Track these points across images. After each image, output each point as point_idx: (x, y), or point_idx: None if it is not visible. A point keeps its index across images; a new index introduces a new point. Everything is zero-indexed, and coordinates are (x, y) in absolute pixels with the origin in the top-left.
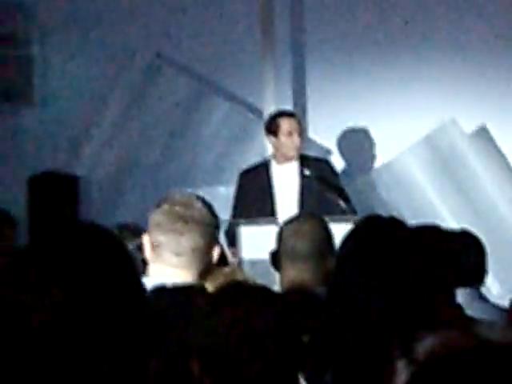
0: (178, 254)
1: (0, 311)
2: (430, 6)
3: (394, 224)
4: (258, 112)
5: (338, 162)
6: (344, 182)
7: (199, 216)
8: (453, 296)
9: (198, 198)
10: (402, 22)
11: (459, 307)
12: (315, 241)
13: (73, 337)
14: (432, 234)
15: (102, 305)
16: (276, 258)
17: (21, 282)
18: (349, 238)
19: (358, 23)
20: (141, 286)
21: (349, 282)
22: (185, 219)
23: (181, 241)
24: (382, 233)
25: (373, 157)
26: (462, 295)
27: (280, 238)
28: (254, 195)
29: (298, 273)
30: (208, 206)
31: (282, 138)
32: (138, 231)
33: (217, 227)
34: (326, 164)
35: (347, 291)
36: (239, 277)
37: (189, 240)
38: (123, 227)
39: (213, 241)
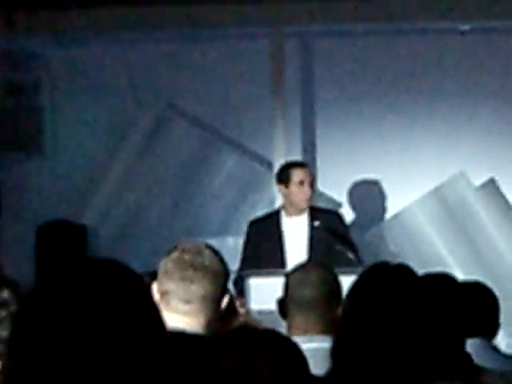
0: (186, 302)
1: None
2: (441, 58)
3: (403, 271)
4: (267, 164)
5: (348, 214)
6: (353, 234)
7: (209, 264)
8: (463, 346)
9: (208, 246)
10: (413, 74)
11: (469, 357)
12: (322, 289)
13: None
14: (442, 281)
15: (121, 343)
16: (282, 306)
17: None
18: (356, 285)
19: (368, 75)
20: (161, 322)
21: (356, 331)
22: (194, 267)
23: (190, 288)
24: (390, 280)
25: (383, 209)
26: (473, 346)
27: (287, 285)
28: (263, 245)
29: (304, 321)
30: (217, 254)
31: (294, 188)
32: None
33: (226, 275)
34: (336, 216)
35: (354, 340)
36: (252, 324)
37: (198, 287)
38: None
39: (222, 289)
